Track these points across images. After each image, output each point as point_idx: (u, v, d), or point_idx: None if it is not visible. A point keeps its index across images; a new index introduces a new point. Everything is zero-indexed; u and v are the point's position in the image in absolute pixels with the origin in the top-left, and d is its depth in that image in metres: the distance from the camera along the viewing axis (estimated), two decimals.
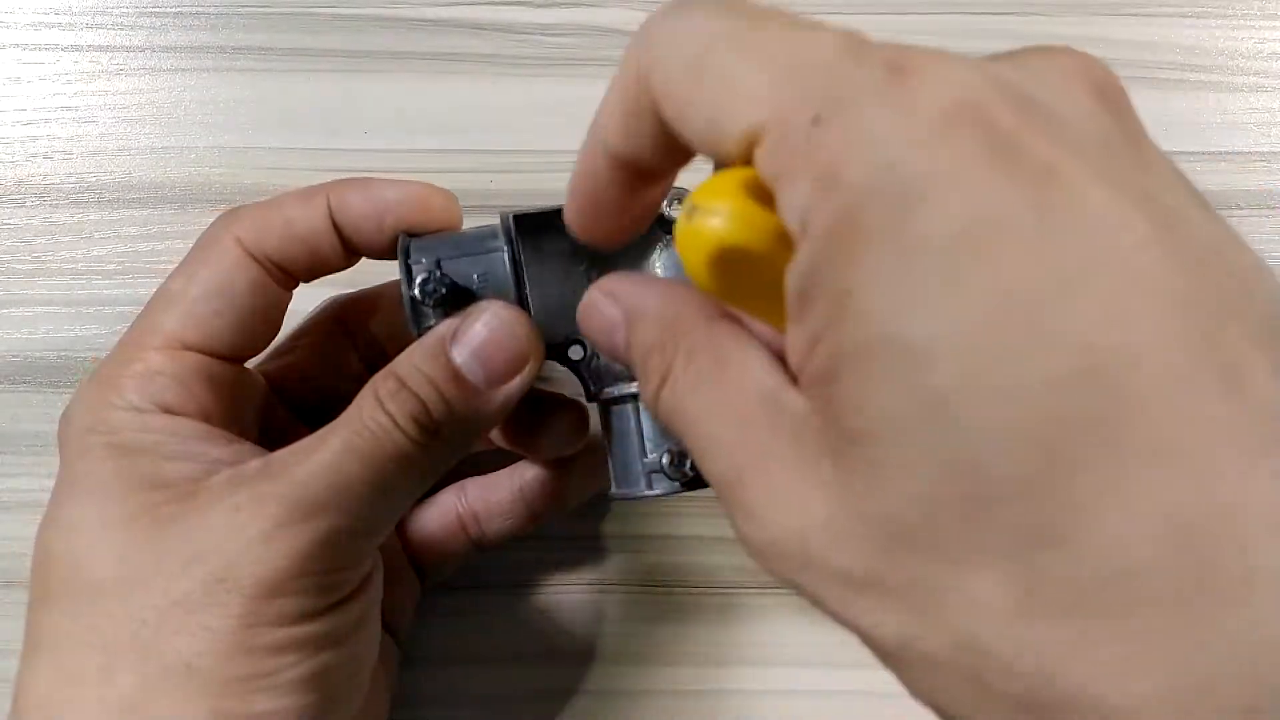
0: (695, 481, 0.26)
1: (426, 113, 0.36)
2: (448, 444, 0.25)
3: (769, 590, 0.35)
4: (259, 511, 0.23)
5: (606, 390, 0.28)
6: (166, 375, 0.26)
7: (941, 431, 0.15)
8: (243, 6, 0.37)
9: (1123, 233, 0.15)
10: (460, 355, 0.25)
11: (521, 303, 0.27)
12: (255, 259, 0.27)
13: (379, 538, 0.25)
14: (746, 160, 0.19)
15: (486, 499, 0.32)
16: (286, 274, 0.28)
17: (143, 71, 0.37)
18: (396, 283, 0.28)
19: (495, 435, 0.32)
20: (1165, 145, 0.17)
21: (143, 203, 0.36)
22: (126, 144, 0.36)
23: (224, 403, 0.27)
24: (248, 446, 0.26)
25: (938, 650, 0.16)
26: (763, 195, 0.19)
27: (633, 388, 0.27)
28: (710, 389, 0.20)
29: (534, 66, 0.37)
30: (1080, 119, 0.17)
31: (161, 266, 0.36)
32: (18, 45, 0.36)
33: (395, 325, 0.30)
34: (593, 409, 0.30)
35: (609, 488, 0.28)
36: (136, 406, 0.26)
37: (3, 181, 0.36)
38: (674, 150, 0.20)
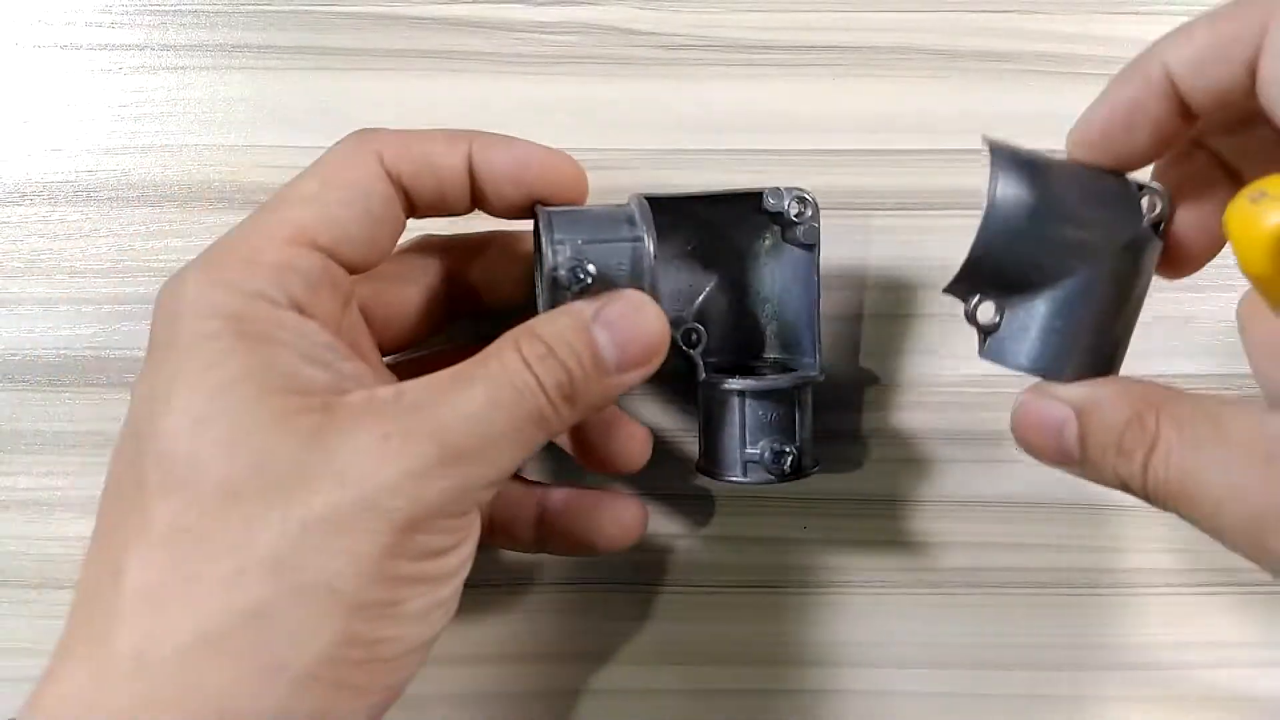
0: (788, 477, 0.29)
1: (427, 111, 0.36)
2: (574, 415, 0.26)
3: (770, 590, 0.35)
4: (412, 448, 0.23)
5: (716, 379, 0.29)
6: (298, 272, 0.25)
7: None
8: (243, 5, 0.37)
9: None
10: (601, 336, 0.26)
11: (653, 288, 0.27)
12: (390, 177, 0.27)
13: (496, 488, 0.25)
14: None
15: (510, 508, 0.32)
16: (409, 203, 0.28)
17: (142, 70, 0.37)
18: (500, 233, 0.31)
19: (564, 440, 0.32)
20: None
21: (142, 201, 0.36)
22: (126, 143, 0.36)
23: (339, 313, 0.27)
24: (364, 366, 0.26)
25: None
26: None
27: (741, 383, 0.29)
28: (1215, 446, 0.22)
29: (535, 65, 0.37)
30: None
31: (161, 265, 0.36)
32: (17, 44, 0.36)
33: (493, 273, 0.32)
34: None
35: (699, 461, 0.30)
36: (270, 298, 0.25)
37: (2, 180, 0.36)
38: (1232, 103, 0.24)
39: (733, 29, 0.37)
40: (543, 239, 0.27)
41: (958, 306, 0.26)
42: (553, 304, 0.27)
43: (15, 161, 0.36)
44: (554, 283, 0.27)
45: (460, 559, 0.25)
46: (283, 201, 0.27)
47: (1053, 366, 0.26)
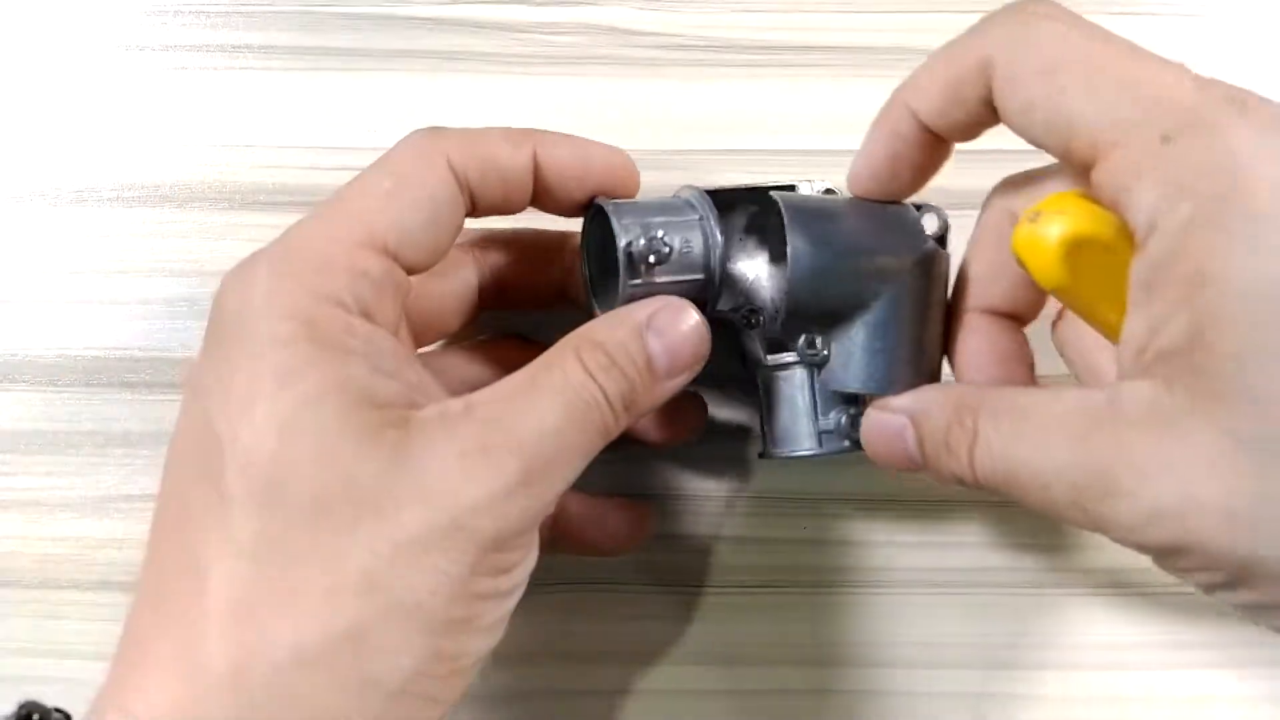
0: (858, 441, 0.29)
1: (428, 111, 0.36)
2: (629, 422, 0.26)
3: (770, 590, 0.35)
4: (496, 466, 0.23)
5: (778, 356, 0.30)
6: (368, 277, 0.25)
7: None
8: (244, 5, 0.37)
9: None
10: (654, 343, 0.26)
11: (721, 268, 0.29)
12: (458, 181, 0.27)
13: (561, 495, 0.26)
14: (1079, 166, 0.23)
15: None
16: (472, 205, 0.28)
17: (143, 70, 0.37)
18: (533, 231, 0.31)
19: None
20: None
21: (142, 201, 0.36)
22: (126, 142, 0.36)
23: (399, 316, 0.27)
24: (427, 374, 0.26)
25: None
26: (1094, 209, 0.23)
27: (803, 354, 0.29)
28: (1030, 432, 0.24)
29: (535, 65, 0.37)
30: None
31: (161, 266, 0.36)
32: (17, 44, 0.36)
33: (526, 271, 0.32)
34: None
35: (762, 449, 0.31)
36: (343, 304, 0.24)
37: (3, 182, 0.36)
38: (981, 127, 0.26)
39: (733, 29, 0.37)
40: (612, 222, 0.28)
41: None
42: (631, 279, 0.28)
43: (15, 163, 0.36)
44: (630, 257, 0.27)
45: (526, 571, 0.26)
46: (354, 200, 0.26)
47: (882, 384, 0.28)
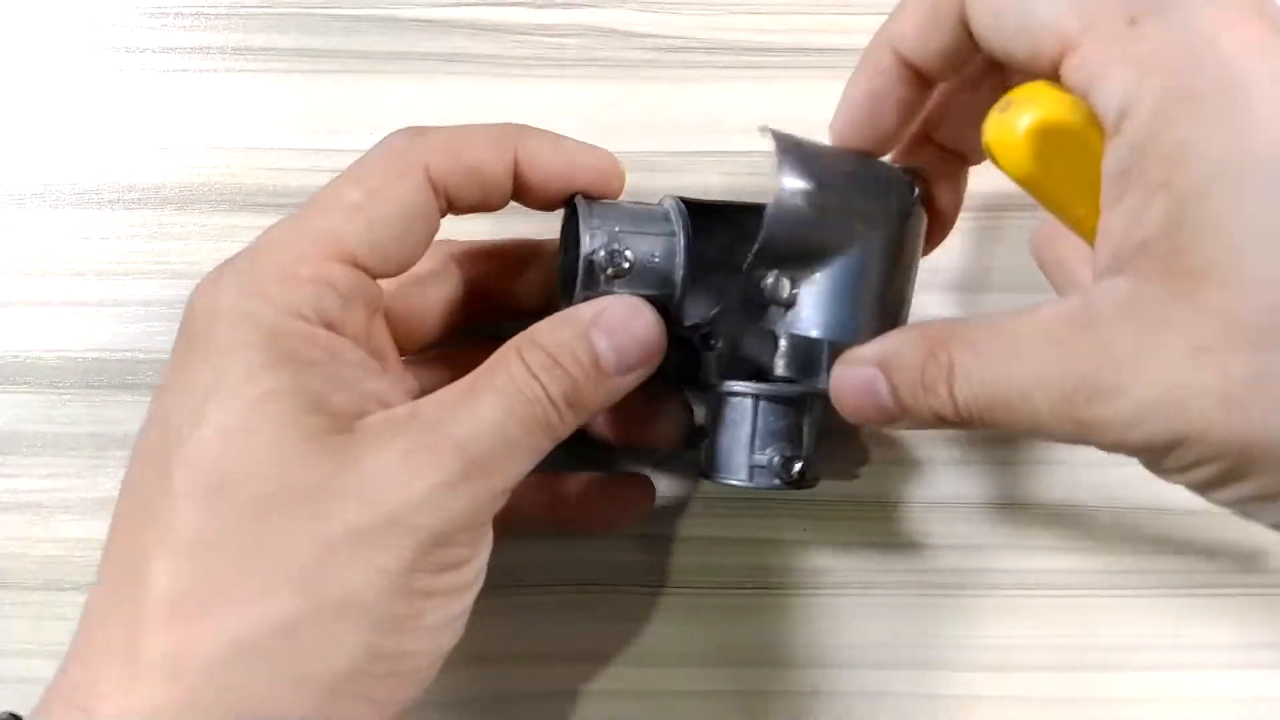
0: (793, 484, 0.29)
1: (427, 113, 0.36)
2: (578, 419, 0.26)
3: (770, 590, 0.35)
4: (437, 462, 0.24)
5: (728, 383, 0.29)
6: (335, 289, 0.25)
7: None
8: (244, 7, 0.37)
9: None
10: (600, 341, 0.26)
11: (683, 284, 0.28)
12: (434, 187, 0.27)
13: (508, 496, 0.26)
14: (1049, 66, 0.23)
15: (519, 498, 0.32)
16: (449, 206, 0.28)
17: (143, 72, 0.37)
18: (516, 241, 0.31)
19: (601, 422, 0.33)
20: None
21: (143, 203, 0.36)
22: (126, 144, 0.36)
23: (369, 325, 0.27)
24: (391, 382, 0.26)
25: None
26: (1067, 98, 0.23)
27: (755, 387, 0.29)
28: (1007, 350, 0.23)
29: (535, 67, 0.37)
30: None
31: (162, 268, 0.36)
32: (17, 45, 0.36)
33: (518, 281, 0.32)
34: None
35: (706, 470, 0.30)
36: (303, 315, 0.25)
37: (2, 182, 0.36)
38: (959, 58, 0.26)
39: (732, 31, 0.37)
40: (580, 225, 0.28)
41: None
42: (587, 289, 0.28)
43: (17, 163, 0.36)
44: (590, 265, 0.28)
45: (476, 569, 0.25)
46: (323, 209, 0.26)
47: (848, 332, 0.28)
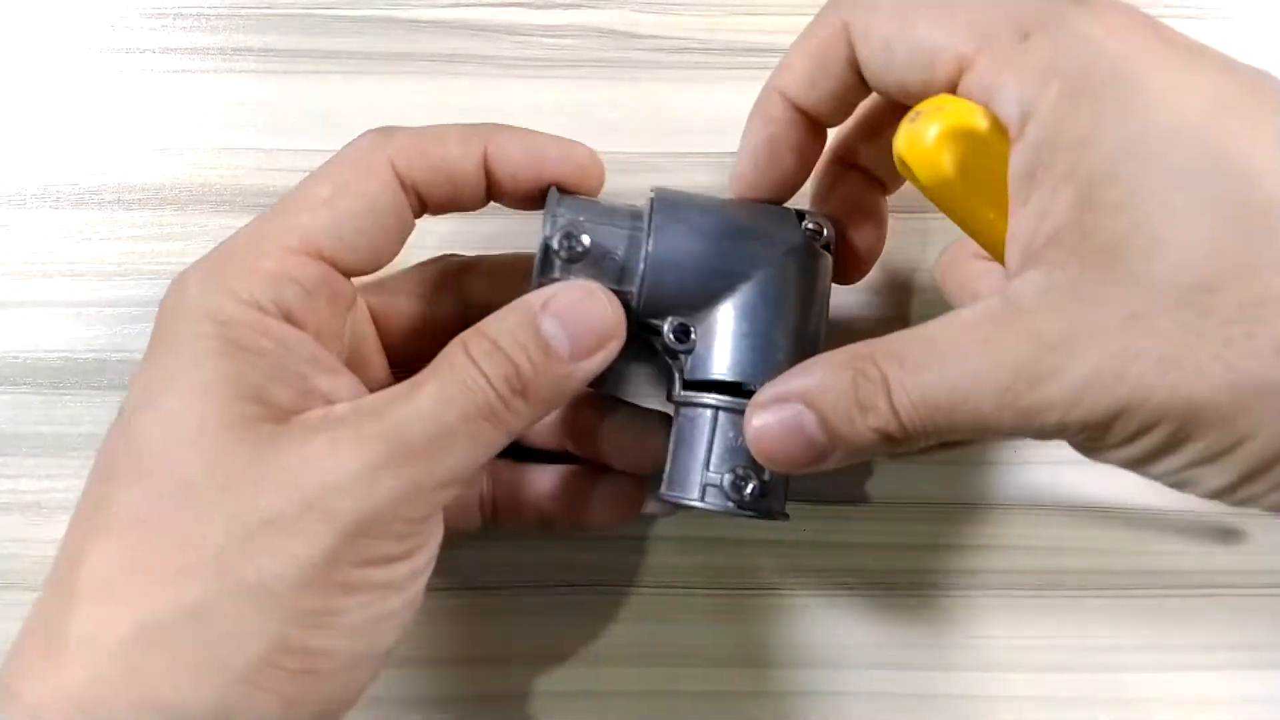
0: (745, 507, 0.27)
1: (428, 114, 0.36)
2: (531, 407, 0.25)
3: (770, 591, 0.35)
4: (361, 449, 0.23)
5: (688, 394, 0.28)
6: (297, 282, 0.26)
7: (1219, 189, 0.20)
8: (244, 8, 0.37)
9: (1265, 77, 0.22)
10: (549, 326, 0.26)
11: (644, 281, 0.28)
12: (403, 184, 0.27)
13: (455, 490, 0.25)
14: (945, 90, 0.24)
15: (512, 492, 0.33)
16: (422, 204, 0.28)
17: (143, 73, 0.37)
18: (518, 256, 0.31)
19: (565, 440, 0.33)
20: None
21: (143, 204, 0.36)
22: (126, 145, 0.36)
23: (335, 320, 0.27)
24: (345, 380, 0.26)
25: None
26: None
27: (715, 399, 0.28)
28: (937, 355, 0.23)
29: (536, 68, 0.37)
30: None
31: (162, 269, 0.36)
32: (17, 45, 0.36)
33: (508, 295, 0.31)
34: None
35: (659, 486, 0.29)
36: (260, 305, 0.25)
37: (2, 183, 0.36)
38: (848, 100, 0.27)
39: (733, 32, 0.37)
40: (545, 212, 0.28)
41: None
42: (542, 274, 0.27)
43: (17, 164, 0.36)
44: (546, 250, 0.27)
45: (412, 568, 0.25)
46: (291, 206, 0.27)
47: (753, 372, 0.28)
